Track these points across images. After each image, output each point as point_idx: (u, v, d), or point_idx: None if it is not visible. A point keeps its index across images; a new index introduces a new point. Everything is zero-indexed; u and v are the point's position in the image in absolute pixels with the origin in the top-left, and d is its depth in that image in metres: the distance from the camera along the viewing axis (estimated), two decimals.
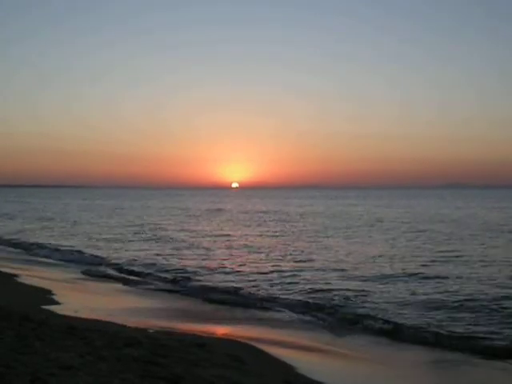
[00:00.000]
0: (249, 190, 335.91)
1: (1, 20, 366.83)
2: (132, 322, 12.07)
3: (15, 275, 18.74)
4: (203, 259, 23.99)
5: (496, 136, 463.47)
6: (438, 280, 17.88)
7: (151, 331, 10.91)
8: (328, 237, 34.27)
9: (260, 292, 16.34)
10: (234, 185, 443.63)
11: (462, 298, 15.01)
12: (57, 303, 14.28)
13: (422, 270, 20.09)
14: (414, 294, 15.76)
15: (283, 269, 20.78)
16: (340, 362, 10.21)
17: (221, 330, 12.34)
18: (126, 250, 27.57)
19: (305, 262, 22.91)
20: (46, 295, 15.35)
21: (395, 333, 11.93)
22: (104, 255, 25.61)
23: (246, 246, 29.86)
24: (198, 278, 19.04)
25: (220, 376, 7.62)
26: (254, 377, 8.09)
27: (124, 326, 11.36)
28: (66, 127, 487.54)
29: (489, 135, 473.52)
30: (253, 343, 10.75)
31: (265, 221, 51.88)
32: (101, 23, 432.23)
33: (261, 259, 23.97)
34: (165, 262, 22.97)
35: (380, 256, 24.31)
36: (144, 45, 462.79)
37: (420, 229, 39.68)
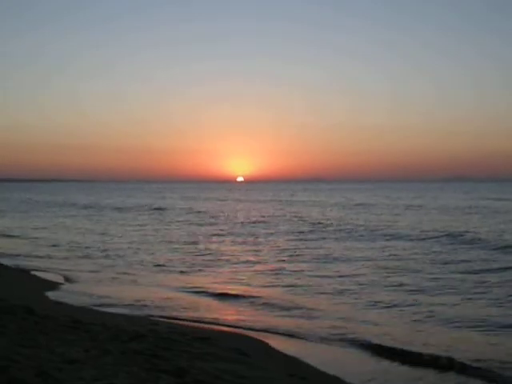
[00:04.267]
0: (254, 183, 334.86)
1: (3, 15, 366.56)
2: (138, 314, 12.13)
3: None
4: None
5: (496, 129, 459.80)
6: None
7: (155, 324, 10.90)
8: None
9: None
10: (239, 179, 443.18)
11: None
12: None
13: None
14: None
15: None
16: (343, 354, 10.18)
17: (225, 323, 12.29)
18: None
19: None
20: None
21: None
22: None
23: None
24: None
25: (224, 370, 7.59)
26: (259, 370, 8.06)
27: (129, 319, 11.37)
28: (70, 121, 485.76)
29: (489, 128, 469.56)
30: (257, 336, 10.77)
31: None
32: (103, 18, 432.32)
33: None
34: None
35: None
36: (146, 39, 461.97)
37: None
